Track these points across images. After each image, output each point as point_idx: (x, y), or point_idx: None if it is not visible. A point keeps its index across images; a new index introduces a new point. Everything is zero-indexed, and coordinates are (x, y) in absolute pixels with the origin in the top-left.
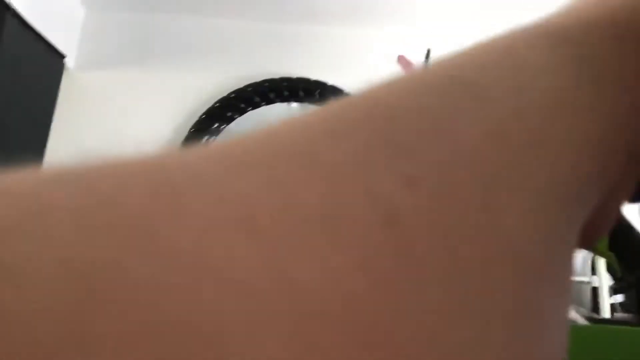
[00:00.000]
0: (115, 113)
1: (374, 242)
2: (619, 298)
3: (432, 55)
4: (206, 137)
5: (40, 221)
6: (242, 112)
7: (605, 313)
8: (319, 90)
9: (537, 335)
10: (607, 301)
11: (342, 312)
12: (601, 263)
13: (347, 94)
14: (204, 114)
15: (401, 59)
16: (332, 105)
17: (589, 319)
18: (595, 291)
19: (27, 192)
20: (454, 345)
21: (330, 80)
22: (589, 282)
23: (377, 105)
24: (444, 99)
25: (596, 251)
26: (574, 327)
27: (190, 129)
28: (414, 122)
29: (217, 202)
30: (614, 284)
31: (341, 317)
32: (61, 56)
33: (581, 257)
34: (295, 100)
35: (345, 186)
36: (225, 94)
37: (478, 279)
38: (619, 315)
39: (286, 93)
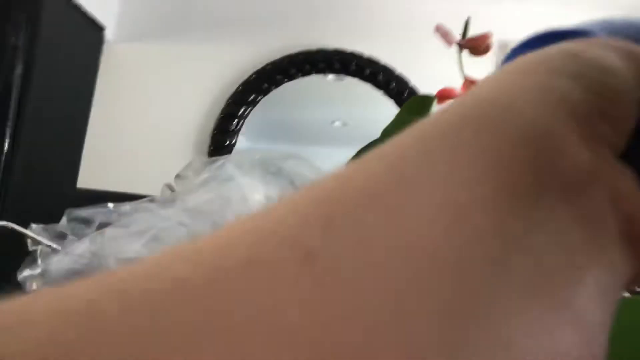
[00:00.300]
0: (155, 85)
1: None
2: None
3: (471, 24)
4: (243, 108)
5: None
6: (278, 83)
7: None
8: (355, 62)
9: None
10: None
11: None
12: None
13: (383, 66)
14: (240, 85)
15: (439, 29)
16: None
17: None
18: None
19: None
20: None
21: (367, 52)
22: None
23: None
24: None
25: None
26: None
27: (228, 100)
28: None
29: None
30: None
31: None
32: (100, 28)
33: None
34: (331, 72)
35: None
36: (261, 66)
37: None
38: None
39: (322, 65)
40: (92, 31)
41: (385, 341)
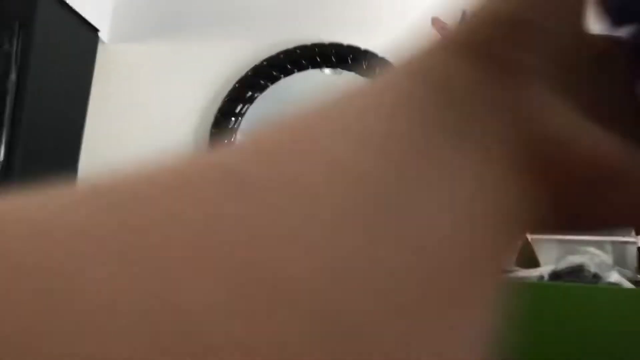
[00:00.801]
0: (151, 84)
1: None
2: None
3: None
4: (240, 106)
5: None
6: (275, 79)
7: None
8: (351, 55)
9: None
10: None
11: None
12: None
13: (380, 58)
14: (237, 82)
15: (435, 22)
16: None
17: (633, 281)
18: None
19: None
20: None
21: (364, 45)
22: (634, 242)
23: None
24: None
25: None
26: (619, 290)
27: (224, 98)
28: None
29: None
30: None
31: None
32: (95, 30)
33: None
34: (328, 66)
35: None
36: (257, 62)
37: None
38: None
39: (319, 59)
40: (87, 33)
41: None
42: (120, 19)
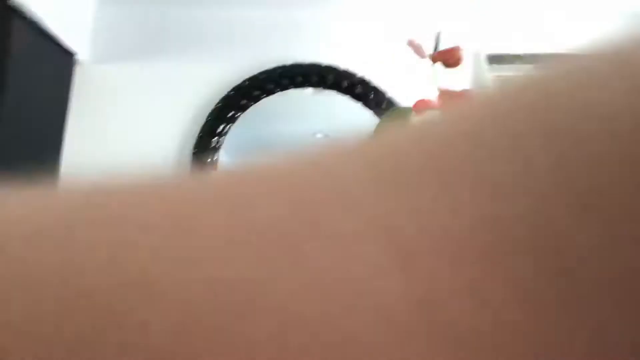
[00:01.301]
0: (132, 106)
1: None
2: None
3: (442, 38)
4: (222, 125)
5: None
6: (257, 99)
7: None
8: (331, 75)
9: None
10: None
11: None
12: None
13: (359, 78)
14: (219, 102)
15: (411, 43)
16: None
17: None
18: None
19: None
20: None
21: (342, 65)
22: None
23: None
24: None
25: None
26: None
27: (207, 117)
28: None
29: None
30: None
31: None
32: (71, 54)
33: None
34: (309, 86)
35: None
36: (239, 82)
37: None
38: None
39: (299, 79)
40: (63, 57)
41: None
42: (99, 41)
